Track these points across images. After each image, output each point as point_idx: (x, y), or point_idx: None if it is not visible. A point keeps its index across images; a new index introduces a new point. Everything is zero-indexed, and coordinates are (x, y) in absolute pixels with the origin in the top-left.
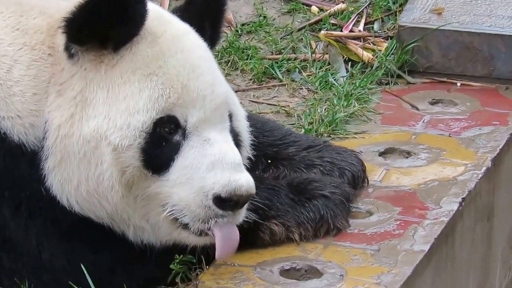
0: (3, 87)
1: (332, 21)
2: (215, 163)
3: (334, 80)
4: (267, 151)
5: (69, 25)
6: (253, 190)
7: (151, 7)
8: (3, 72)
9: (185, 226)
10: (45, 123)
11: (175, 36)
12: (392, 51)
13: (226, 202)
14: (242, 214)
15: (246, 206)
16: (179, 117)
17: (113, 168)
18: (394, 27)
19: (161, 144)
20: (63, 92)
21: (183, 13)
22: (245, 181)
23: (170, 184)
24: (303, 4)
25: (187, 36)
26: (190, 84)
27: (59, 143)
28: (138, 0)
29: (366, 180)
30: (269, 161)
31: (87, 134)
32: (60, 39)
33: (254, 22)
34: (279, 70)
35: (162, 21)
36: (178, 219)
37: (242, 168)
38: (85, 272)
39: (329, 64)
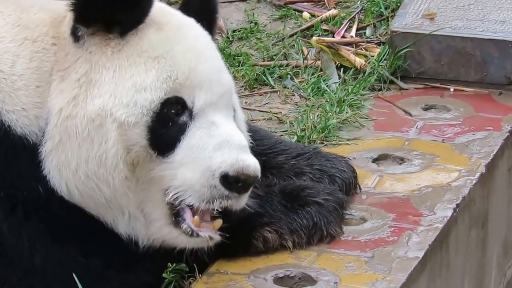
0: (8, 81)
1: (324, 27)
2: (222, 143)
3: (327, 86)
4: None
5: (78, 3)
6: (259, 172)
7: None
8: (6, 67)
9: (177, 223)
10: (47, 111)
11: (180, 25)
12: (385, 56)
13: (233, 183)
14: (245, 199)
15: (250, 191)
16: (186, 98)
17: (119, 145)
18: (386, 32)
19: (168, 124)
20: (67, 76)
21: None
22: (252, 161)
23: (175, 166)
24: (294, 10)
25: (192, 26)
26: (198, 67)
27: (59, 125)
28: None
29: (358, 186)
30: None
31: (92, 112)
32: (66, 27)
33: (245, 29)
34: (271, 77)
35: (166, 12)
36: (181, 200)
37: (248, 150)
38: (76, 280)
39: (321, 70)
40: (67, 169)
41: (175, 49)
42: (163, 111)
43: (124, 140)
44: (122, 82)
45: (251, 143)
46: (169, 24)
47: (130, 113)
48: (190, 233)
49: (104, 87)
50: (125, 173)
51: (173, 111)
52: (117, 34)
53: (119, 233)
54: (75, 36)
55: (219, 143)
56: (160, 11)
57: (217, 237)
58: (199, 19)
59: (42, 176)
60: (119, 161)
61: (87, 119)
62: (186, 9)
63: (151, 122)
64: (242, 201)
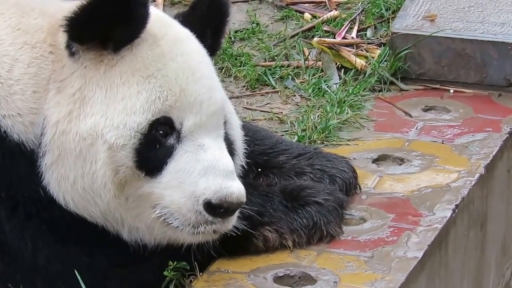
0: (4, 86)
1: (325, 28)
2: (207, 169)
3: (327, 87)
4: (258, 160)
5: (71, 24)
6: (244, 199)
7: (153, 10)
8: (4, 71)
9: (175, 228)
10: (44, 119)
11: (175, 40)
12: (385, 58)
13: (216, 209)
14: (232, 222)
15: (236, 214)
16: (175, 119)
17: (107, 167)
18: (387, 34)
19: (155, 146)
20: (63, 89)
21: (185, 19)
22: (236, 188)
23: (162, 186)
24: (296, 11)
25: (187, 41)
26: (189, 88)
27: (56, 139)
28: (142, 3)
29: (358, 186)
30: (259, 169)
31: (84, 131)
32: (62, 37)
33: (247, 29)
34: (272, 77)
35: (163, 24)
36: (167, 221)
37: (234, 175)
38: (78, 278)
39: (322, 71)
40: (66, 182)
41: (168, 68)
42: (151, 132)
43: (112, 162)
44: (114, 103)
45: (252, 143)
46: (164, 38)
47: (119, 135)
48: (193, 231)
49: (96, 106)
50: (114, 192)
51: (161, 131)
52: (111, 50)
53: (124, 239)
54: (70, 51)
55: (205, 168)
56: (157, 21)
57: (220, 230)
58: (205, 25)
59: (40, 178)
60: (108, 182)
61: (80, 137)
62: (193, 13)
63: (139, 145)
64: (228, 225)
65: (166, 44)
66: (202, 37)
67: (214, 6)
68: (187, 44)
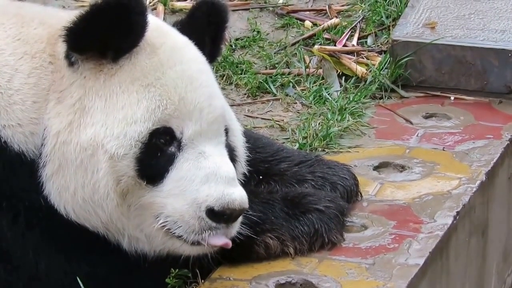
0: (4, 96)
1: (325, 36)
2: (209, 176)
3: (328, 94)
4: (259, 167)
5: (70, 34)
6: (246, 205)
7: (151, 18)
8: (4, 81)
9: (179, 236)
10: (44, 129)
11: (174, 48)
12: (386, 65)
13: (219, 215)
14: (236, 227)
15: (240, 219)
16: (175, 128)
17: (109, 177)
18: (387, 41)
19: (156, 154)
20: (63, 99)
21: (183, 27)
22: (238, 195)
23: (164, 194)
24: (296, 19)
25: (185, 49)
26: (188, 96)
27: (57, 150)
28: (139, 12)
29: (359, 194)
30: (261, 177)
31: (84, 142)
32: (61, 47)
33: (248, 37)
34: (273, 85)
35: (161, 32)
36: (171, 230)
37: (236, 182)
38: (81, 285)
39: (323, 78)
40: (66, 192)
41: (166, 76)
42: (152, 141)
43: (114, 172)
44: (114, 112)
45: (253, 150)
46: (162, 47)
47: (120, 145)
48: (192, 243)
49: (96, 116)
50: (117, 201)
51: (161, 140)
52: (110, 59)
53: (124, 249)
54: (69, 61)
55: (206, 176)
56: (155, 30)
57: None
58: (204, 32)
59: (41, 188)
60: (110, 191)
61: (80, 147)
62: (191, 21)
63: (140, 154)
64: (232, 230)
65: (164, 52)
66: (201, 44)
67: (213, 13)
68: (186, 52)
